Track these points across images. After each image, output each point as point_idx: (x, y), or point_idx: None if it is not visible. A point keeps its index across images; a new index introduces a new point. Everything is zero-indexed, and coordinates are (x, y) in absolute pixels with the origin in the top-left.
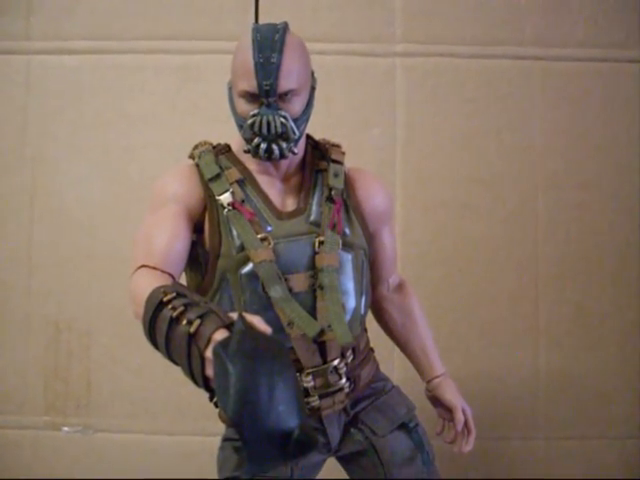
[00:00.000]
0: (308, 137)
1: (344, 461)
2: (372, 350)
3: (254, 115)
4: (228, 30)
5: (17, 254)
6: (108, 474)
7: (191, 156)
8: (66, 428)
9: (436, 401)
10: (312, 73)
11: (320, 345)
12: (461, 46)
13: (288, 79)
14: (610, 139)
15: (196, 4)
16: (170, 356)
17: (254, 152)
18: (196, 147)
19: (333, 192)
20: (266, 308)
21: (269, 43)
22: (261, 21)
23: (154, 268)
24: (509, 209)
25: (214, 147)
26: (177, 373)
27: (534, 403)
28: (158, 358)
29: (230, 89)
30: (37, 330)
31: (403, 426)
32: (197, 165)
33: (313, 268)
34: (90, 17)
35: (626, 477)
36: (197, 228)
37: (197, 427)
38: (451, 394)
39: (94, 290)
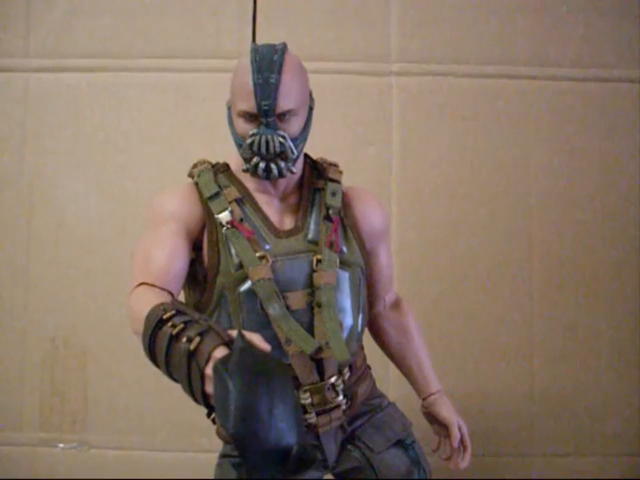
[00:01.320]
0: (306, 156)
1: (341, 478)
2: (369, 367)
3: (253, 135)
4: (225, 48)
5: (14, 269)
6: None
7: (190, 175)
8: (62, 444)
9: (432, 418)
10: (310, 93)
11: (317, 362)
12: (456, 65)
13: (287, 99)
14: (604, 157)
15: (194, 23)
16: (170, 373)
17: (253, 171)
18: (195, 166)
19: (331, 211)
20: (264, 325)
21: (268, 64)
22: (258, 40)
23: (153, 285)
24: (504, 226)
25: (213, 166)
26: (173, 390)
27: (529, 420)
28: (155, 375)
29: (229, 109)
30: (34, 346)
31: (400, 443)
32: (196, 184)
33: (311, 286)
34: (88, 35)
35: None
36: (196, 246)
37: (193, 444)
38: (447, 411)
39: (91, 306)
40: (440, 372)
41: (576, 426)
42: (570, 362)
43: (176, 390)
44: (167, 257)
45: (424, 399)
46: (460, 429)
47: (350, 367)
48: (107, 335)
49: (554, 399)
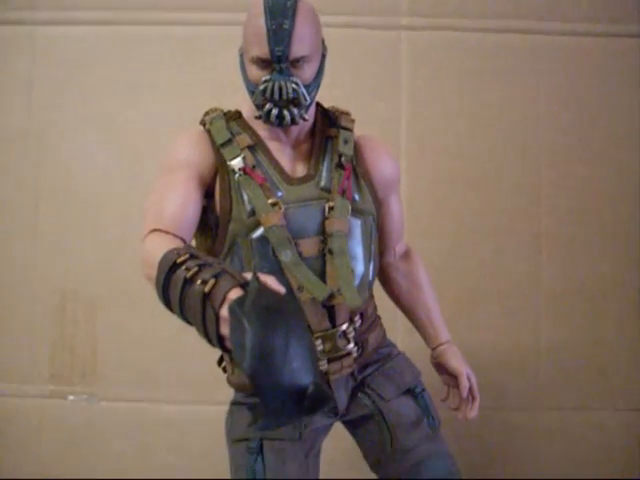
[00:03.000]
0: (318, 104)
1: (351, 425)
2: (379, 317)
3: (266, 81)
4: (234, 1)
5: (23, 224)
6: (113, 442)
7: (202, 122)
8: (71, 397)
9: (441, 368)
10: (322, 41)
11: (329, 309)
12: (466, 19)
13: (300, 45)
14: (613, 113)
15: None
16: (184, 316)
17: (265, 118)
18: (207, 113)
19: (343, 158)
20: (276, 272)
21: (281, 9)
22: None
23: (166, 232)
24: (513, 182)
25: (225, 113)
26: (182, 342)
27: (536, 374)
28: (163, 327)
29: (241, 55)
30: (43, 299)
31: (409, 391)
32: (208, 131)
33: (323, 233)
34: None
35: (627, 446)
36: (208, 193)
37: (202, 396)
38: (456, 361)
39: (100, 259)
40: (448, 325)
41: (582, 380)
42: (577, 316)
43: (185, 342)
44: (180, 203)
45: (433, 349)
46: (469, 379)
47: (361, 315)
48: (116, 288)
49: (561, 353)
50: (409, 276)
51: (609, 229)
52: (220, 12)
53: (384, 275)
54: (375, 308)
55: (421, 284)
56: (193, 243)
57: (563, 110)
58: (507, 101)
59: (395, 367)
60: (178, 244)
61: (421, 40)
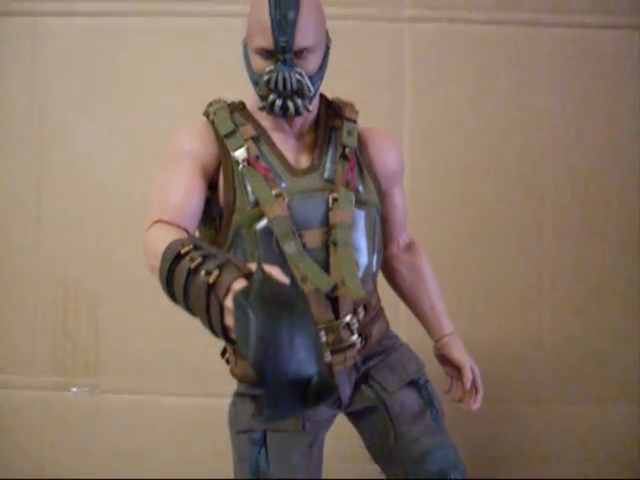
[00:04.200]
0: (321, 96)
1: (354, 417)
2: (382, 308)
3: (270, 71)
4: None
5: (25, 214)
6: (115, 434)
7: (206, 113)
8: (74, 388)
9: (444, 359)
10: (327, 32)
11: (333, 301)
12: (469, 11)
13: (304, 36)
14: (617, 105)
15: None
16: (188, 307)
17: (269, 108)
18: (210, 104)
19: (347, 150)
20: (280, 263)
21: (286, 0)
22: None
23: (169, 223)
24: (516, 174)
25: (229, 104)
26: (185, 334)
27: (538, 367)
28: (166, 318)
29: (245, 46)
30: (45, 290)
31: (413, 383)
32: (212, 122)
33: (327, 224)
34: None
35: (628, 439)
36: (211, 184)
37: (205, 388)
38: (459, 352)
39: (102, 250)
40: (451, 317)
41: (585, 373)
42: (579, 310)
43: (188, 334)
44: (183, 194)
45: (437, 341)
46: (472, 371)
47: (365, 307)
48: (119, 279)
49: (563, 346)
50: (412, 268)
51: (612, 222)
52: (224, 4)
53: (388, 267)
54: (379, 299)
55: (424, 276)
56: (197, 234)
57: (566, 102)
58: (510, 93)
59: (398, 359)
60: (182, 235)
61: (424, 32)
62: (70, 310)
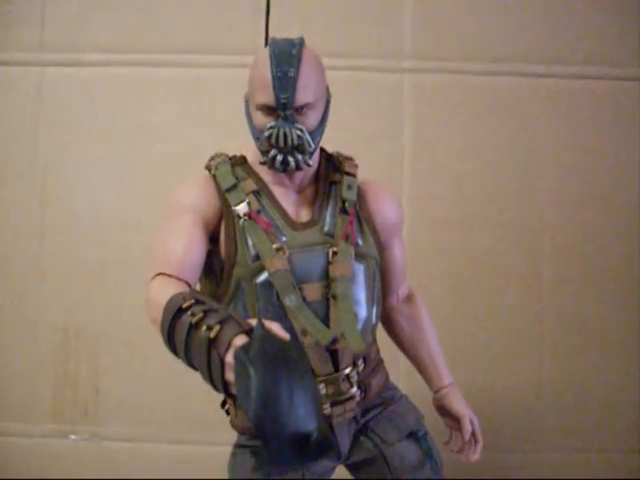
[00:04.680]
0: (321, 150)
1: (353, 469)
2: (382, 360)
3: (271, 127)
4: (239, 44)
5: (28, 261)
6: None
7: (207, 167)
8: (73, 436)
9: (443, 411)
10: (327, 87)
11: (332, 354)
12: (469, 63)
13: (305, 93)
14: (615, 155)
15: (208, 18)
16: (189, 361)
17: (270, 164)
18: (212, 158)
19: (346, 204)
20: (280, 317)
21: (287, 57)
22: (272, 36)
23: (171, 275)
24: (514, 224)
25: (230, 158)
26: (185, 382)
27: (539, 416)
28: (166, 367)
29: (247, 102)
30: (46, 336)
31: (412, 434)
32: (214, 176)
33: (327, 278)
34: (103, 29)
35: None
36: (213, 238)
37: (205, 436)
38: (458, 404)
39: (103, 298)
40: (450, 368)
41: (585, 422)
42: (579, 358)
43: (187, 382)
44: (185, 247)
45: (436, 392)
46: (471, 422)
47: (364, 359)
48: (118, 327)
49: (563, 395)
50: (411, 319)
51: (612, 270)
52: (227, 55)
53: (387, 318)
54: (378, 351)
55: (423, 328)
56: (198, 287)
57: (566, 152)
58: (510, 143)
59: (398, 410)
60: (183, 288)
61: (424, 83)
62: (70, 357)
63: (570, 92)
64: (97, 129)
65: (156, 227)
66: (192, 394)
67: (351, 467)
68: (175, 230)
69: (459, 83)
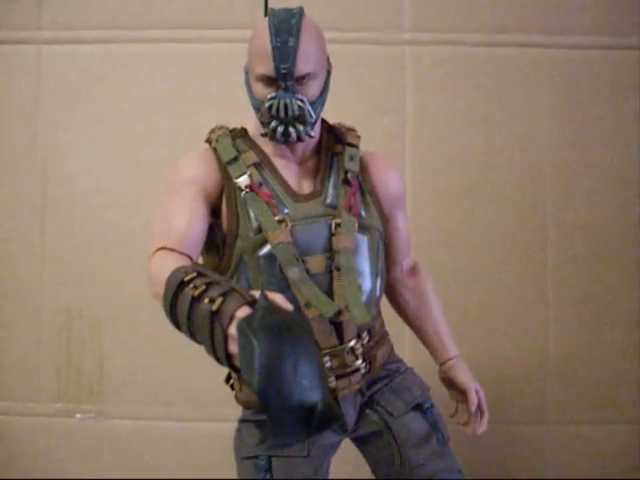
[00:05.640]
0: (323, 121)
1: (359, 442)
2: (387, 332)
3: (271, 98)
4: (237, 19)
5: (29, 242)
6: (120, 460)
7: (208, 140)
8: (79, 415)
9: (449, 383)
10: (327, 58)
11: (337, 326)
12: (469, 34)
13: (305, 63)
14: (618, 126)
15: None
16: (192, 335)
17: (271, 135)
18: (212, 131)
19: (349, 175)
20: (283, 289)
21: (286, 27)
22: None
23: (172, 250)
24: (518, 196)
25: (230, 131)
26: (189, 360)
27: (544, 388)
28: (170, 345)
29: (246, 73)
30: (49, 317)
31: (418, 407)
32: (214, 149)
33: (330, 250)
34: (100, 6)
35: (637, 460)
36: (214, 211)
37: (209, 414)
38: (464, 376)
39: (106, 277)
40: (455, 340)
41: (590, 394)
42: (584, 330)
43: (191, 360)
44: (186, 221)
45: (441, 364)
46: (477, 394)
47: (369, 331)
48: (122, 306)
49: (568, 367)
50: (416, 291)
51: (616, 241)
52: (223, 29)
53: (391, 290)
54: (382, 324)
55: (428, 299)
56: (200, 261)
57: (567, 123)
58: (511, 115)
59: (404, 382)
60: (184, 262)
61: (425, 55)
62: (74, 337)
63: (572, 62)
64: (96, 107)
65: (157, 205)
66: (196, 371)
67: (357, 440)
68: (176, 204)
69: (460, 55)
